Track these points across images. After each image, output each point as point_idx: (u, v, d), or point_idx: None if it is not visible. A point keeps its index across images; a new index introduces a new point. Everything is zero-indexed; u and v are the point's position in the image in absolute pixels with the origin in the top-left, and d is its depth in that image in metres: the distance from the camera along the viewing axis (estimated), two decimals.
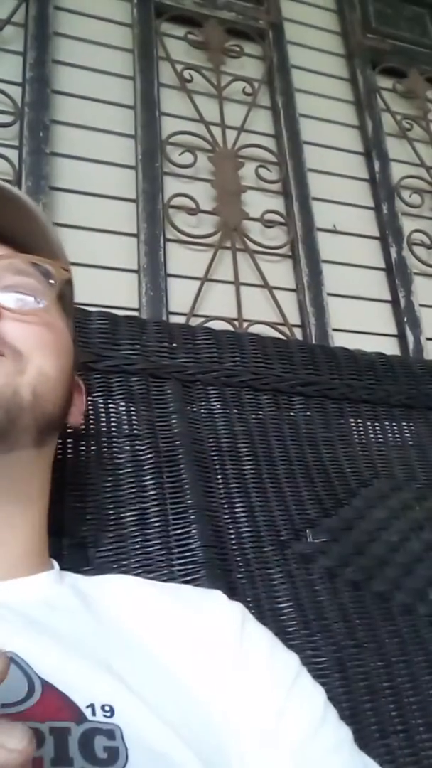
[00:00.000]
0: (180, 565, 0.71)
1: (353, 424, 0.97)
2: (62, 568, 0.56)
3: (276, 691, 0.50)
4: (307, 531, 0.85)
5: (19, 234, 0.57)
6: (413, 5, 1.99)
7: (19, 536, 0.52)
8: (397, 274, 1.56)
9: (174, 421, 0.84)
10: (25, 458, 0.51)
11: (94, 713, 0.40)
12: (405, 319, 1.51)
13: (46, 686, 0.40)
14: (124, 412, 0.83)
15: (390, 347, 1.46)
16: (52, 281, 0.56)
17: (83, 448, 0.77)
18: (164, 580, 0.67)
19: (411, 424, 1.01)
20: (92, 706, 0.40)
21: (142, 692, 0.43)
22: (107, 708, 0.40)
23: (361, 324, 1.48)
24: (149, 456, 0.79)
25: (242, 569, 0.76)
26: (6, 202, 0.56)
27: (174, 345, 0.90)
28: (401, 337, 1.50)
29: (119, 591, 0.54)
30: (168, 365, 0.88)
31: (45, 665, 0.41)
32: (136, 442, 0.81)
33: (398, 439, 0.99)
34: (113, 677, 0.43)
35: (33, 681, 0.40)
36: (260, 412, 0.91)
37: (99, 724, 0.39)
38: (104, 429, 0.80)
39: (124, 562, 0.69)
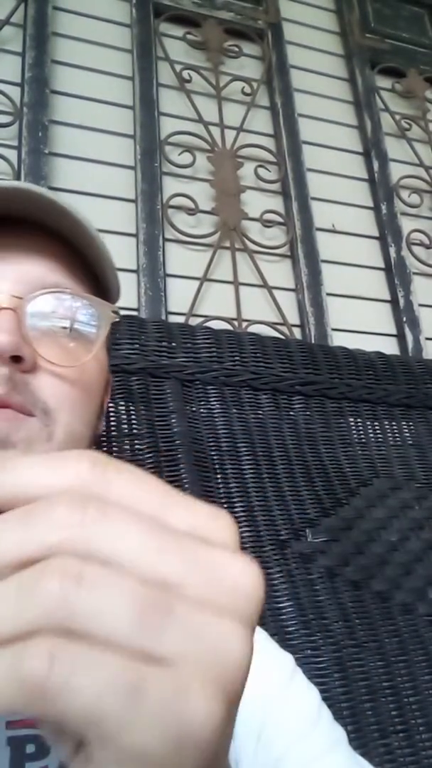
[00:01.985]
0: None
1: (353, 423, 0.97)
2: None
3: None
4: (307, 530, 0.85)
5: (73, 240, 0.53)
6: (412, 5, 1.99)
7: None
8: (396, 274, 1.56)
9: (173, 420, 0.84)
10: None
11: None
12: (404, 319, 1.51)
13: None
14: (123, 412, 0.82)
15: (389, 347, 1.46)
16: (97, 324, 0.50)
17: None
18: None
19: (410, 423, 1.01)
20: None
21: None
22: None
23: (361, 324, 1.48)
24: (149, 455, 0.79)
25: None
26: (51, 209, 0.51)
27: (173, 344, 0.90)
28: (400, 336, 1.50)
29: None
30: (167, 365, 0.88)
31: None
32: (136, 441, 0.81)
33: (398, 439, 0.99)
34: None
35: None
36: (260, 412, 0.91)
37: None
38: (104, 428, 0.80)
39: None
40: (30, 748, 0.36)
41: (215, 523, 0.22)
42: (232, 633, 0.20)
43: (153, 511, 0.21)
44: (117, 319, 0.52)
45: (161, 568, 0.20)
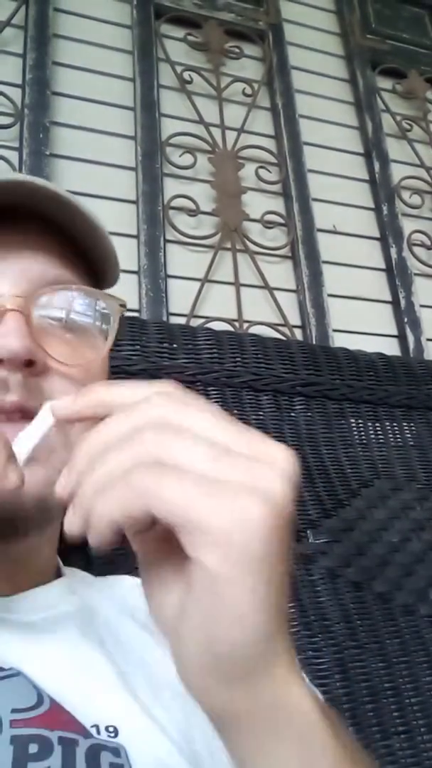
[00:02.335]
0: None
1: (354, 424, 0.96)
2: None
3: None
4: (308, 531, 0.85)
5: (77, 235, 0.53)
6: (412, 6, 1.98)
7: (40, 554, 0.51)
8: (397, 275, 1.56)
9: None
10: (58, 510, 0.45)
11: (98, 732, 0.40)
12: (405, 320, 1.51)
13: (53, 702, 0.40)
14: None
15: (390, 348, 1.46)
16: (106, 319, 0.50)
17: None
18: None
19: (412, 424, 1.01)
20: (96, 726, 0.40)
21: (148, 709, 0.43)
22: (111, 729, 0.40)
23: (362, 325, 1.48)
24: None
25: None
26: (58, 204, 0.51)
27: (174, 346, 0.90)
28: (402, 337, 1.50)
29: (125, 597, 0.54)
30: (168, 366, 0.88)
31: (50, 684, 0.41)
32: None
33: (399, 440, 0.99)
34: (120, 696, 0.43)
35: (41, 693, 0.40)
36: (261, 413, 0.91)
37: (104, 742, 0.39)
38: None
39: (125, 564, 0.69)
40: (33, 748, 0.36)
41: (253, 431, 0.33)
42: (273, 474, 0.31)
43: (215, 413, 0.33)
44: (125, 311, 0.51)
45: (225, 436, 0.31)
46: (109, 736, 0.40)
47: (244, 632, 0.30)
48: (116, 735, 0.40)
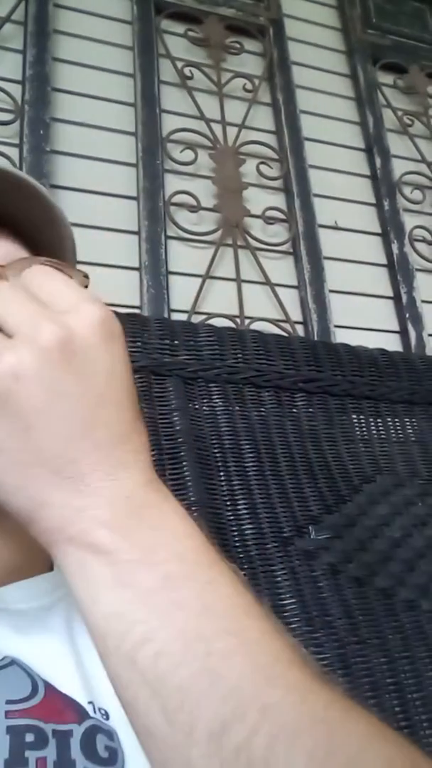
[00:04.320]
0: None
1: (355, 420, 0.96)
2: None
3: None
4: (310, 527, 0.85)
5: (26, 221, 0.51)
6: (413, 1, 1.98)
7: (20, 541, 0.51)
8: (399, 271, 1.55)
9: (176, 418, 0.84)
10: None
11: (94, 711, 0.40)
12: (407, 315, 1.51)
13: (48, 687, 0.40)
14: None
15: (392, 343, 1.46)
16: None
17: None
18: None
19: (413, 420, 1.00)
20: (92, 703, 0.40)
21: None
22: (103, 711, 0.41)
23: (363, 320, 1.48)
24: (152, 453, 0.79)
25: (245, 566, 0.76)
26: (15, 189, 0.49)
27: (176, 342, 0.90)
28: (403, 333, 1.50)
29: None
30: (170, 362, 0.88)
31: (44, 670, 0.41)
32: None
33: (401, 435, 0.99)
34: (108, 682, 0.43)
35: (36, 681, 0.40)
36: (262, 409, 0.91)
37: (100, 723, 0.40)
38: None
39: None
40: (29, 737, 0.37)
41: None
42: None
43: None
44: (87, 284, 0.51)
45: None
46: (102, 717, 0.40)
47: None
48: (107, 718, 0.40)
